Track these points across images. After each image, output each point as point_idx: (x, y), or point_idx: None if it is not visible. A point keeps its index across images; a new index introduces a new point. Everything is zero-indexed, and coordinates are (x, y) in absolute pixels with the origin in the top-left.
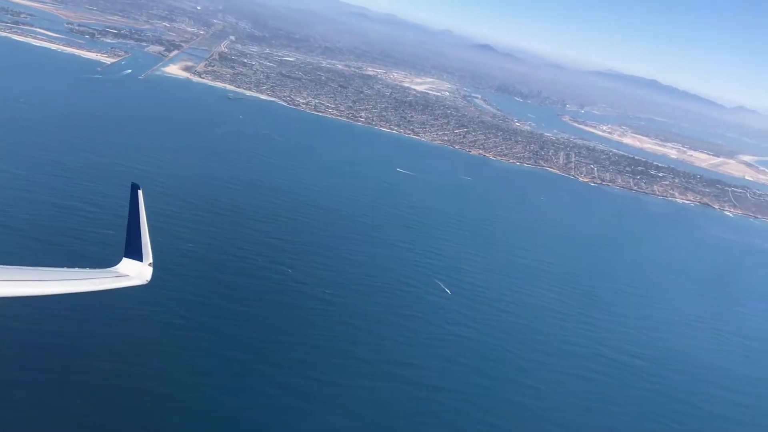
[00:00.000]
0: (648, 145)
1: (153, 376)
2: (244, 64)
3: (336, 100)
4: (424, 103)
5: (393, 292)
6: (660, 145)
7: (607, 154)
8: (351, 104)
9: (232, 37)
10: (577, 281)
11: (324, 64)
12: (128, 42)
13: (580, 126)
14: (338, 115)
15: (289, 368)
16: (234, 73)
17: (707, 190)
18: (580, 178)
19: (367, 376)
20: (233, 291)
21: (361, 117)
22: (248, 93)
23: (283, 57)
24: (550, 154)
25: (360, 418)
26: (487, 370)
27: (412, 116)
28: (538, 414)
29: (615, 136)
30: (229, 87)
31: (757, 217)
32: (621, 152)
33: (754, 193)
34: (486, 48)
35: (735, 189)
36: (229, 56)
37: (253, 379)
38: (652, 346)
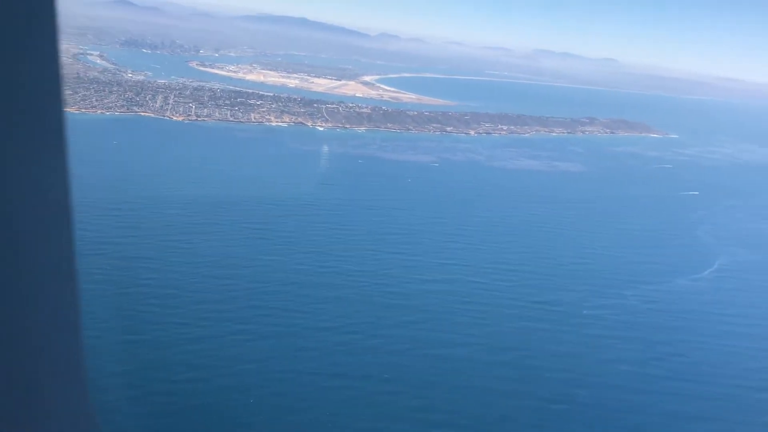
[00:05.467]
0: (272, 78)
1: None
2: None
3: None
4: None
5: None
6: (285, 77)
7: (213, 91)
8: None
9: None
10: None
11: None
12: None
13: (206, 69)
14: None
15: None
16: None
17: (303, 110)
18: (174, 118)
19: None
20: None
21: None
22: None
23: None
24: (147, 99)
25: None
26: None
27: None
28: None
29: (239, 75)
30: None
31: (345, 128)
32: (233, 88)
33: (347, 107)
34: (125, 3)
35: (329, 105)
36: None
37: None
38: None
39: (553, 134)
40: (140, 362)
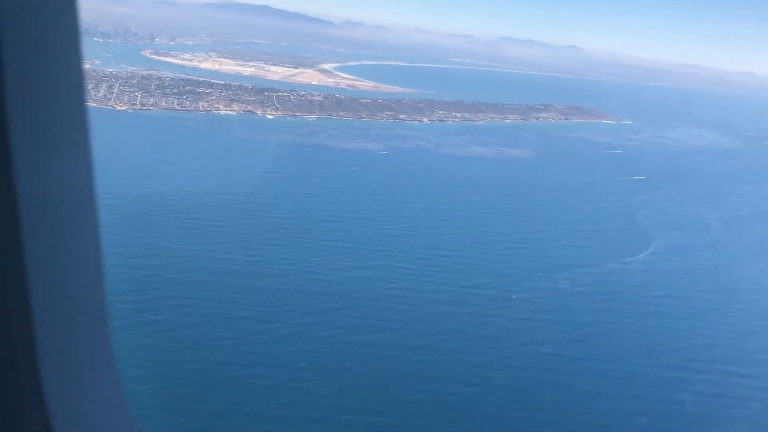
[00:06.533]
0: (228, 66)
1: None
2: None
3: None
4: None
5: None
6: (240, 65)
7: (162, 80)
8: None
9: None
10: None
11: None
12: None
13: (159, 58)
14: None
15: None
16: None
17: (254, 98)
18: (118, 107)
19: None
20: None
21: None
22: None
23: None
24: (90, 88)
25: None
26: None
27: None
28: None
29: (194, 63)
30: None
31: (296, 116)
32: (184, 76)
33: (299, 95)
34: None
35: (280, 93)
36: None
37: None
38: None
39: (507, 121)
40: None
